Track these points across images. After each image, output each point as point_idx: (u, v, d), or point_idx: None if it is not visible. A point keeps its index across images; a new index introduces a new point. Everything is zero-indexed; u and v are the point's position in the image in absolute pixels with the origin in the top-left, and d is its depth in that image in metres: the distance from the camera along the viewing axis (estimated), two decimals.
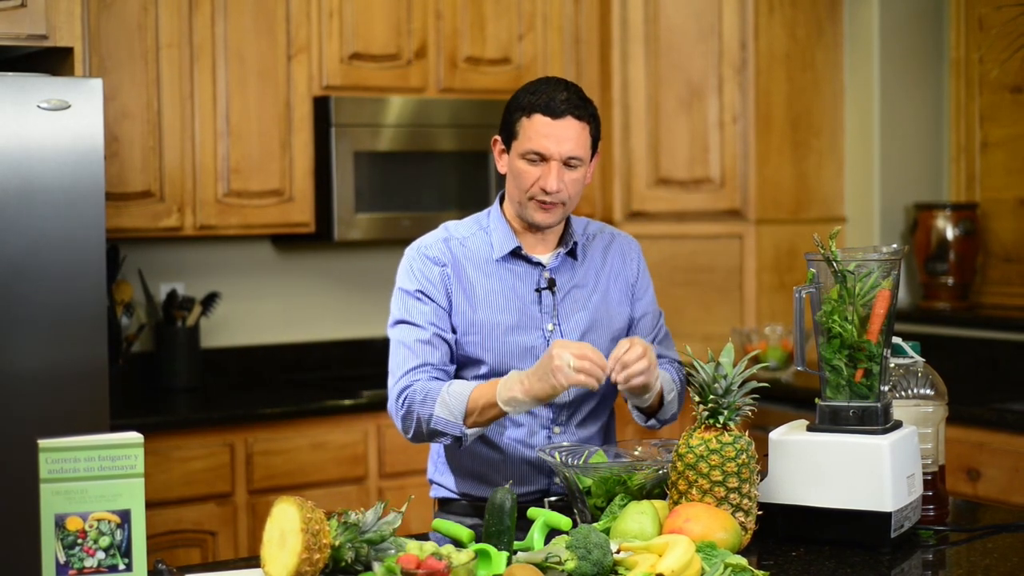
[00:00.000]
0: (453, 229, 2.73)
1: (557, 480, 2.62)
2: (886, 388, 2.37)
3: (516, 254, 2.67)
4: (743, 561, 2.05)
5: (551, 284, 2.66)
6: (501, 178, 4.65)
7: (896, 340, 2.45)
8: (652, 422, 2.68)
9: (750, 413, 2.28)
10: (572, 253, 2.71)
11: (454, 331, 2.65)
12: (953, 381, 2.72)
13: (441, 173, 4.60)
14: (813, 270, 2.37)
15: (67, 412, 3.46)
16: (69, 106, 3.46)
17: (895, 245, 2.40)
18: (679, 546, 2.02)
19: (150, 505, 3.51)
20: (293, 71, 4.37)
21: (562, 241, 2.71)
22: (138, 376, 4.41)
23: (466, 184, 4.64)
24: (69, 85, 3.47)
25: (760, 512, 2.29)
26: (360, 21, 4.48)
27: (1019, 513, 2.70)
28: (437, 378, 2.61)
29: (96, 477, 1.88)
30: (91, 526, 1.88)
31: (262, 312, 4.71)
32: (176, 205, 4.20)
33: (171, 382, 4.40)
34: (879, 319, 2.32)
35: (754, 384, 2.26)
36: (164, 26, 4.16)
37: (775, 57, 4.90)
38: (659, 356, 2.79)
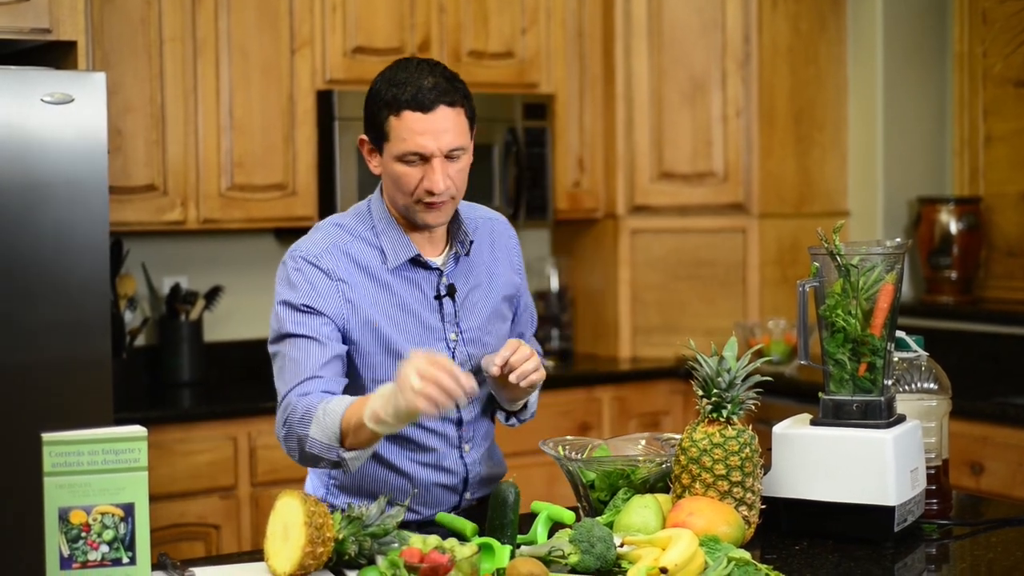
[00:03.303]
0: (335, 235, 2.43)
1: (467, 495, 2.49)
2: (889, 382, 2.37)
3: (413, 261, 2.43)
4: (746, 555, 2.05)
5: (451, 291, 2.45)
6: (504, 172, 4.66)
7: (899, 334, 2.45)
8: (513, 420, 2.54)
9: (753, 407, 2.28)
10: (466, 251, 2.49)
11: (347, 343, 2.39)
12: (956, 375, 2.72)
13: None
14: (817, 264, 2.37)
15: (70, 406, 3.45)
16: (72, 100, 3.46)
17: (898, 239, 2.40)
18: (682, 540, 2.02)
19: (153, 498, 3.51)
20: (296, 65, 4.37)
21: (452, 237, 2.48)
22: (141, 370, 4.41)
23: (468, 177, 4.62)
24: (72, 79, 3.47)
25: (763, 506, 2.29)
26: (363, 15, 4.47)
27: (1022, 507, 2.69)
28: (328, 391, 2.30)
29: (100, 471, 1.88)
30: (95, 519, 1.88)
31: (265, 306, 4.67)
32: (179, 199, 4.20)
33: (174, 376, 4.40)
34: (883, 313, 2.32)
35: (757, 378, 2.26)
36: (167, 20, 4.16)
37: (778, 51, 4.90)
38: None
